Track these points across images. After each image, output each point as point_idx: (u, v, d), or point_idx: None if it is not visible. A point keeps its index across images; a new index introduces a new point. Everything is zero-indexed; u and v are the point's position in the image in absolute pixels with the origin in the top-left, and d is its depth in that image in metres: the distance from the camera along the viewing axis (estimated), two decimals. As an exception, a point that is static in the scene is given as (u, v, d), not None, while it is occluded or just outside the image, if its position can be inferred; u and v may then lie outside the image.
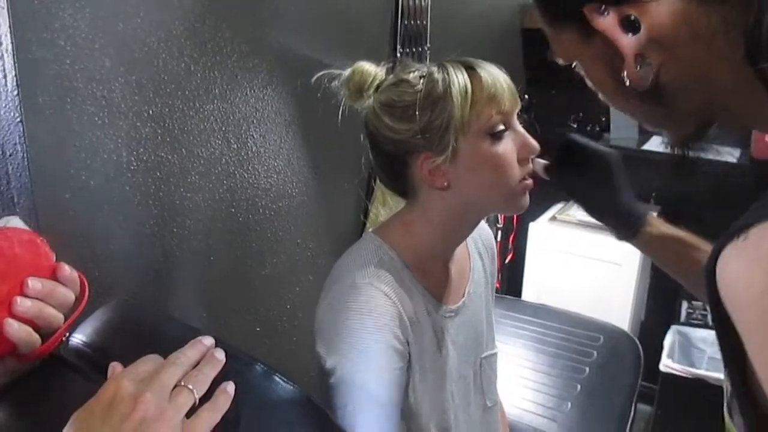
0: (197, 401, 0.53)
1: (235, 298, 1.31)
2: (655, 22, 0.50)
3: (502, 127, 0.88)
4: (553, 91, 2.54)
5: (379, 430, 0.88)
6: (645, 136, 2.41)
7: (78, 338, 0.63)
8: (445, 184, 0.90)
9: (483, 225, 1.11)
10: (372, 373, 0.87)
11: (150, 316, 0.72)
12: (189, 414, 0.52)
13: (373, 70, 0.95)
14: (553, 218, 2.43)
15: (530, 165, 0.93)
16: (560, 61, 0.59)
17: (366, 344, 0.86)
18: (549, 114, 2.48)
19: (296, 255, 1.45)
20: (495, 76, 0.89)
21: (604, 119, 2.44)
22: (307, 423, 0.56)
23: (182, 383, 0.53)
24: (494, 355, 1.11)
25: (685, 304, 2.43)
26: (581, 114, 2.47)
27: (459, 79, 0.87)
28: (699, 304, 2.42)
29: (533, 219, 2.43)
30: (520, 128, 0.91)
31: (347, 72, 0.96)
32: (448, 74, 0.87)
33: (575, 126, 2.47)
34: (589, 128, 2.44)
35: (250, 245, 1.32)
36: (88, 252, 0.98)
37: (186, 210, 1.14)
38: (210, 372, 0.55)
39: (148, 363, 0.54)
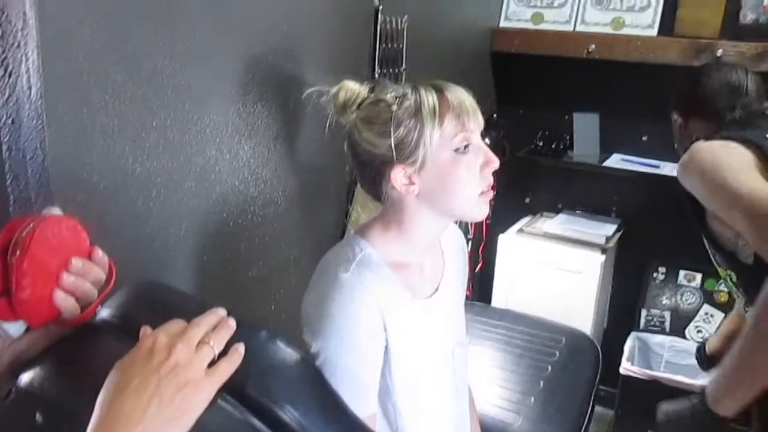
0: (216, 356, 0.64)
1: (224, 297, 1.41)
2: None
3: (466, 143, 1.00)
4: (521, 111, 2.69)
5: (358, 406, 0.98)
6: (605, 154, 2.57)
7: (106, 311, 0.73)
8: (415, 192, 1.01)
9: (455, 227, 1.23)
10: (352, 356, 0.97)
11: (168, 292, 0.83)
12: (210, 365, 0.63)
13: (357, 88, 1.06)
14: (521, 230, 2.57)
15: (491, 178, 1.04)
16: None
17: (347, 330, 0.97)
18: (517, 132, 2.63)
19: (281, 259, 1.56)
20: (461, 98, 1.01)
21: (567, 137, 2.59)
22: (303, 378, 0.66)
23: (205, 341, 0.64)
24: (464, 344, 1.22)
25: (644, 312, 2.58)
26: (547, 132, 2.61)
27: (429, 100, 0.99)
28: (656, 312, 2.57)
29: (503, 231, 2.56)
30: (482, 144, 1.03)
31: (334, 89, 1.07)
32: (419, 95, 1.00)
33: (541, 144, 2.61)
34: (554, 146, 2.59)
35: (239, 248, 1.43)
36: (97, 248, 1.08)
37: (183, 213, 1.24)
38: (226, 334, 0.66)
39: (176, 324, 0.65)
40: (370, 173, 1.04)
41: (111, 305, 0.75)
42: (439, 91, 1.00)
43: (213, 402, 0.62)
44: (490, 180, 1.03)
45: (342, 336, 0.97)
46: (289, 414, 0.66)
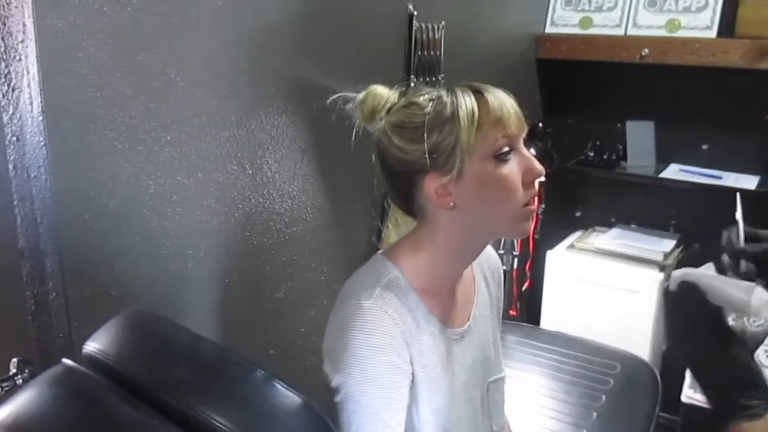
0: None
1: (249, 321, 1.34)
2: None
3: (507, 149, 0.90)
4: (570, 120, 2.56)
5: (383, 448, 0.89)
6: (662, 164, 2.40)
7: (92, 346, 0.65)
8: (451, 204, 0.91)
9: (489, 250, 1.12)
10: (375, 392, 0.88)
11: (159, 323, 0.75)
12: None
13: (385, 93, 0.98)
14: (571, 246, 2.43)
15: (535, 189, 0.94)
16: None
17: (369, 364, 0.87)
18: (566, 142, 2.50)
19: (311, 278, 1.47)
20: (502, 100, 0.91)
21: (620, 147, 2.43)
22: (303, 427, 0.57)
23: None
24: (501, 378, 1.11)
25: (707, 334, 2.39)
26: (598, 142, 2.47)
27: (466, 102, 0.89)
28: (722, 334, 2.37)
29: (551, 247, 2.42)
30: (526, 152, 0.93)
31: (361, 95, 0.98)
32: (456, 97, 0.90)
33: (592, 154, 2.47)
34: (606, 156, 2.44)
35: (265, 269, 1.35)
36: (106, 270, 1.02)
37: (202, 233, 1.17)
38: None
39: None
40: (401, 184, 0.95)
41: (98, 339, 0.67)
42: (478, 93, 0.90)
43: None
44: (535, 191, 0.93)
45: (364, 370, 0.87)
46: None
